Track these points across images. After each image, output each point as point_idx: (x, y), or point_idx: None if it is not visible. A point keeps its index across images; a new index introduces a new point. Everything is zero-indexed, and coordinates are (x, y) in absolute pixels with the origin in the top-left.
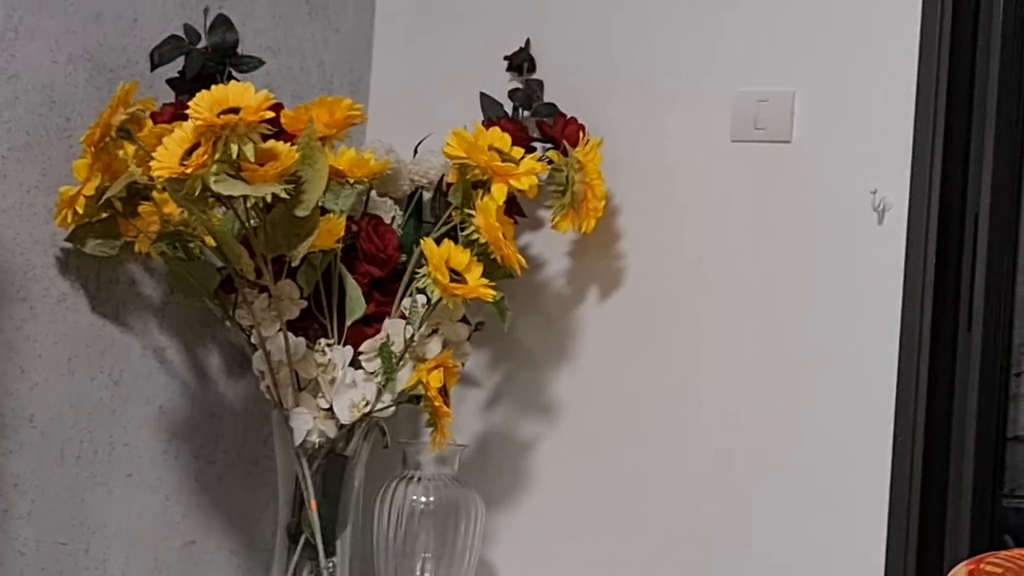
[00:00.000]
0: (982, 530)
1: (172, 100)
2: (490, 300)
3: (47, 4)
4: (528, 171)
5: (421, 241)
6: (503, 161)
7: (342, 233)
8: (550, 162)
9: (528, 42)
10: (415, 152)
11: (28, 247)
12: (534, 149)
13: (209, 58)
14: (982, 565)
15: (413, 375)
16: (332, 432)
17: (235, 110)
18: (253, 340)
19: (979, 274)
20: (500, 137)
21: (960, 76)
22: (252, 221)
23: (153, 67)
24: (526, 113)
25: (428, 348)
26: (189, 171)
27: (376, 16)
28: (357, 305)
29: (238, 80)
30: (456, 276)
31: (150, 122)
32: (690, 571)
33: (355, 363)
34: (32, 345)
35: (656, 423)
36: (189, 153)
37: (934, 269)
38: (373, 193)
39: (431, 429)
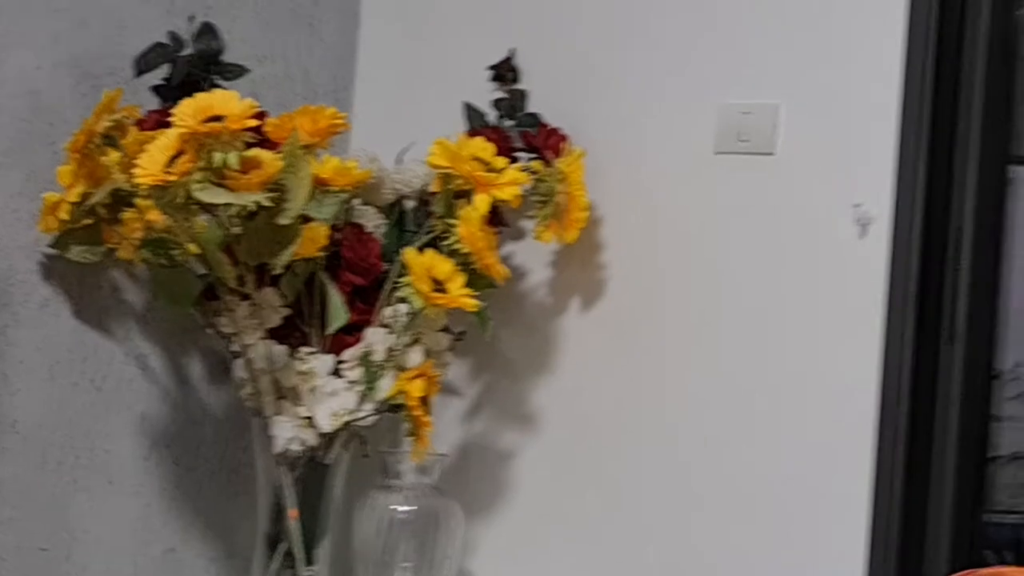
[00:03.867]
0: (962, 545)
1: (157, 107)
2: (472, 310)
3: (33, 10)
4: (511, 181)
5: (403, 250)
6: (486, 171)
7: (325, 241)
8: (533, 172)
9: (512, 52)
10: (398, 161)
11: (11, 252)
12: (517, 159)
13: (194, 65)
14: None
15: (394, 384)
16: (312, 440)
17: (219, 118)
18: (234, 348)
19: (962, 288)
20: (484, 147)
21: (945, 90)
22: (235, 229)
23: (138, 74)
24: (510, 123)
25: (409, 357)
26: (172, 178)
27: (360, 25)
28: (339, 313)
29: (223, 88)
30: (438, 285)
31: (135, 129)
32: None
33: (336, 372)
34: (14, 351)
35: (636, 434)
36: (173, 160)
37: (917, 283)
38: (356, 202)
39: (411, 438)
